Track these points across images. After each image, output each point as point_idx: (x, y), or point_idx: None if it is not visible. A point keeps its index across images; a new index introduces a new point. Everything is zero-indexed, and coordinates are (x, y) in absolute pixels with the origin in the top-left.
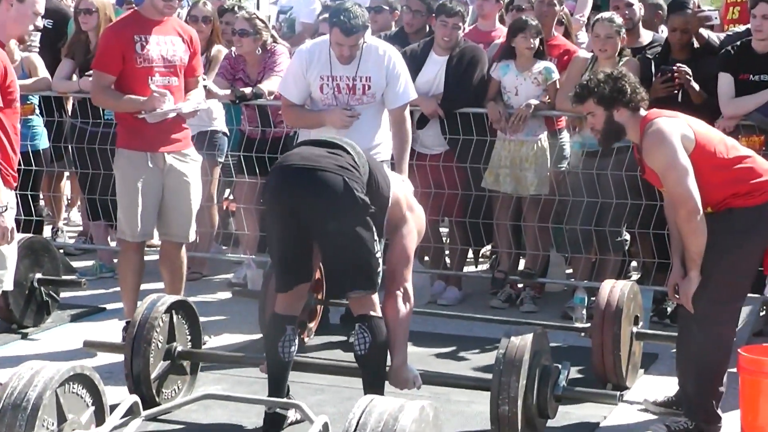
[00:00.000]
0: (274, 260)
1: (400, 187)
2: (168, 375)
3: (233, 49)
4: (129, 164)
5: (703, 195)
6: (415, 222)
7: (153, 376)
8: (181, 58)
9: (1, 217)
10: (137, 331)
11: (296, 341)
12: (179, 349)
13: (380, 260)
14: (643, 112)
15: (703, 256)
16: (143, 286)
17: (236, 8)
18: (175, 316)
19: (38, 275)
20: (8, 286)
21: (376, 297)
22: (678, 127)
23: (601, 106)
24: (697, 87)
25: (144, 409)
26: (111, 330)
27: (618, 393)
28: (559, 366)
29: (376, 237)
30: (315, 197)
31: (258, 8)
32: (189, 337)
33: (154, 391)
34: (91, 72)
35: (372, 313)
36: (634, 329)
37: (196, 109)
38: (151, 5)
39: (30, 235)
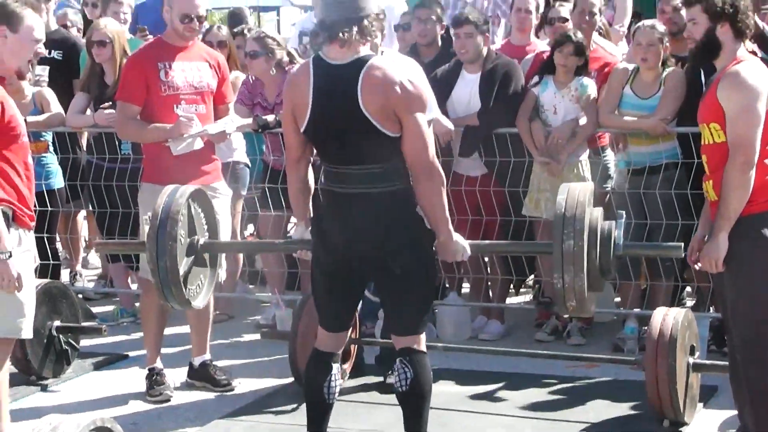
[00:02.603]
0: (319, 307)
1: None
2: (191, 269)
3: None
4: (153, 199)
5: None
6: (419, 93)
7: (181, 273)
8: (209, 84)
9: (5, 264)
10: (160, 224)
11: (339, 381)
12: (201, 241)
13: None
14: (744, 48)
15: (723, 271)
16: (167, 330)
17: (246, 30)
18: (192, 207)
19: (57, 323)
20: (27, 334)
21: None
22: None
23: (706, 14)
24: None
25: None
26: (135, 378)
27: (681, 244)
28: (613, 223)
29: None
30: (377, 246)
31: (279, 31)
32: (206, 227)
33: (184, 290)
34: (107, 105)
35: (414, 347)
36: (691, 360)
37: (224, 129)
38: (173, 30)
39: (47, 280)
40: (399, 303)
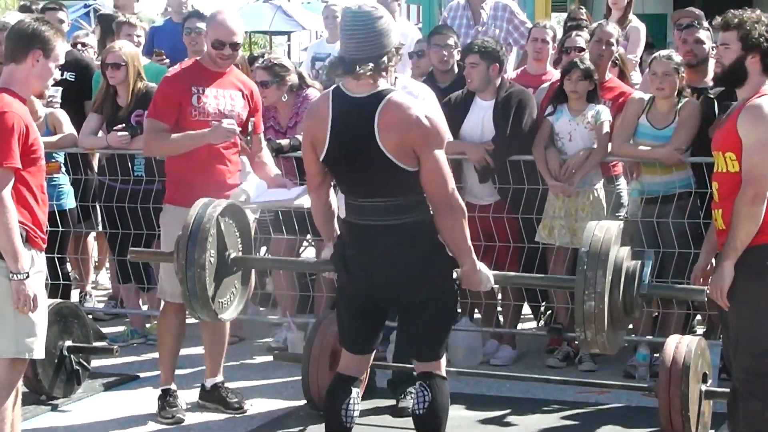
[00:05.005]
0: (343, 330)
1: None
2: (222, 282)
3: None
4: (175, 221)
5: None
6: (436, 129)
7: (210, 285)
8: (239, 114)
9: (23, 285)
10: (190, 235)
11: (359, 406)
12: (233, 256)
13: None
14: None
15: (729, 305)
16: (181, 351)
17: (264, 55)
18: (223, 222)
19: (68, 343)
20: (39, 354)
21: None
22: None
23: (740, 42)
24: None
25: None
26: (146, 399)
27: (705, 288)
28: (642, 261)
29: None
30: (396, 282)
31: (289, 55)
32: (239, 241)
33: (211, 303)
34: (120, 127)
35: (435, 371)
36: (703, 387)
37: (300, 196)
38: (207, 55)
39: (58, 300)
40: (420, 331)
